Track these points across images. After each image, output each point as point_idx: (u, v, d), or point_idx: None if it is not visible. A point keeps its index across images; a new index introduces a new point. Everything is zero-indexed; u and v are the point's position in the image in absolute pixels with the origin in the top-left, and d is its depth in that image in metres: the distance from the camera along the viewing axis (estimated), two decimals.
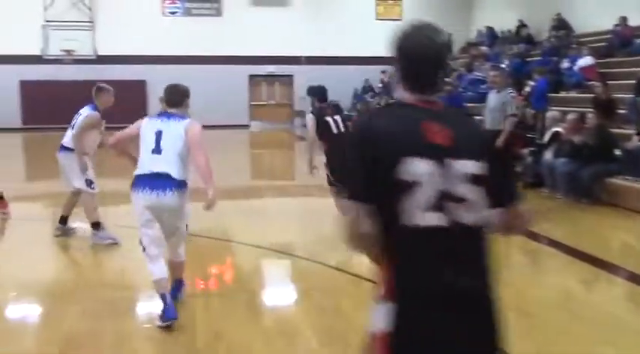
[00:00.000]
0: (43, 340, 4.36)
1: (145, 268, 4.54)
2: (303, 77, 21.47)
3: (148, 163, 4.44)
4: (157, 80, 23.44)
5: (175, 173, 4.43)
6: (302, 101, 18.15)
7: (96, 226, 6.71)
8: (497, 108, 8.31)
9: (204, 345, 4.19)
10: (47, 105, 21.20)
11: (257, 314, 4.86)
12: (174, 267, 4.82)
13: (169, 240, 4.66)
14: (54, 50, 21.89)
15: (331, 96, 7.56)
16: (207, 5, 24.29)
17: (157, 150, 4.43)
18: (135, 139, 4.68)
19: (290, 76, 24.72)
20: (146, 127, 4.55)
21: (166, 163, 4.41)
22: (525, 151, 10.16)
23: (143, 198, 4.39)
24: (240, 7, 24.19)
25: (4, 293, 5.24)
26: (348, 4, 24.77)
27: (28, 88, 22.61)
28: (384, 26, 24.86)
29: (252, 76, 24.80)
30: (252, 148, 20.64)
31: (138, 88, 23.25)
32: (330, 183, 6.97)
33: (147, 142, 4.48)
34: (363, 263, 5.86)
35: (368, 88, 22.89)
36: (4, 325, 4.72)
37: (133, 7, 23.18)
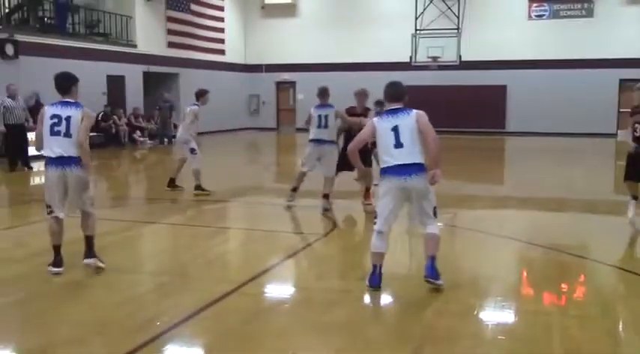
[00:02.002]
0: None
1: None
2: None
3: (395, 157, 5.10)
4: (518, 85, 23.26)
5: None
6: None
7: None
8: None
9: None
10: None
11: (619, 343, 4.37)
12: None
13: None
14: (422, 57, 23.05)
15: None
16: (578, 7, 23.03)
17: (399, 144, 5.07)
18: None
19: None
20: (380, 127, 5.19)
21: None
22: None
23: None
24: (612, 6, 22.39)
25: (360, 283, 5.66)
26: None
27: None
28: None
29: (623, 81, 22.77)
30: (619, 160, 18.90)
31: (498, 92, 23.22)
32: None
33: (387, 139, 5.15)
34: None
35: None
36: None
37: (499, 12, 23.26)
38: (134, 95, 21.00)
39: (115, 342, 4.20)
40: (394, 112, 5.22)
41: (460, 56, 22.16)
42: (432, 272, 5.14)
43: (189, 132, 10.21)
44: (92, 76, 17.59)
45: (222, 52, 25.94)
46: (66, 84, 5.67)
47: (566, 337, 4.37)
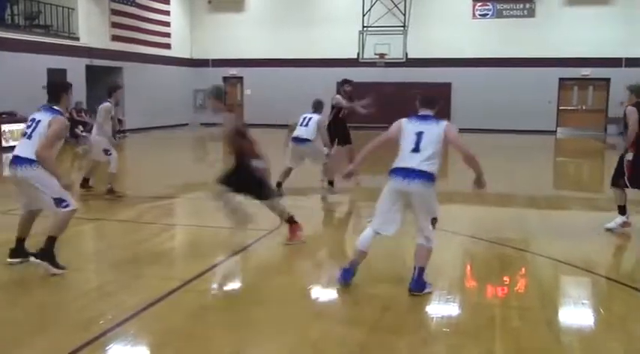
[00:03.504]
0: None
1: None
2: (622, 81, 19.62)
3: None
4: (462, 82, 23.69)
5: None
6: (618, 108, 16.59)
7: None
8: None
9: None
10: None
11: (558, 333, 4.52)
12: None
13: None
14: (369, 54, 23.21)
15: None
16: (520, 6, 23.61)
17: (416, 149, 5.08)
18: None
19: (606, 80, 22.82)
20: (406, 128, 5.20)
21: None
22: None
23: None
24: (554, 7, 23.07)
25: (312, 279, 5.65)
26: None
27: None
28: None
29: (562, 80, 23.49)
30: (559, 156, 19.52)
31: (444, 89, 23.63)
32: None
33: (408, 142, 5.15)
34: None
35: None
36: None
37: (444, 11, 23.68)
38: (76, 89, 20.38)
39: (57, 341, 4.11)
40: (424, 118, 5.24)
41: (406, 53, 22.43)
42: (416, 285, 5.08)
43: (102, 131, 9.43)
44: (32, 69, 17.07)
45: (167, 46, 25.56)
46: (53, 90, 5.75)
47: (508, 328, 4.50)
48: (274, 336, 4.31)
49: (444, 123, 5.18)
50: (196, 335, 4.29)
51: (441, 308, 4.92)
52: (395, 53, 22.75)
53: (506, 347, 4.17)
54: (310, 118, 9.51)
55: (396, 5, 23.11)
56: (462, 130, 5.83)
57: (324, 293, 5.35)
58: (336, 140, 10.88)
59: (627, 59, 22.13)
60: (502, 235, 7.40)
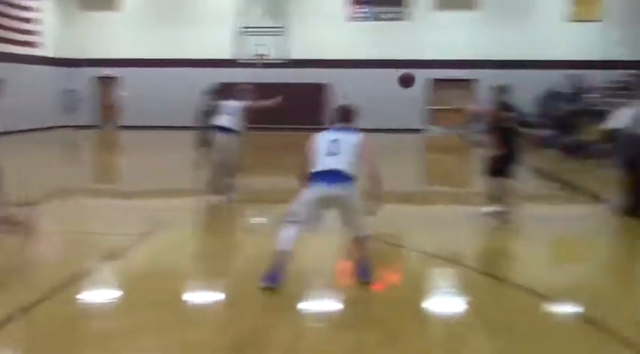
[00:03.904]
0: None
1: None
2: (487, 81, 20.87)
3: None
4: (340, 84, 24.21)
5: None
6: (484, 107, 17.58)
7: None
8: None
9: (374, 346, 4.22)
10: None
11: (425, 323, 4.77)
12: None
13: None
14: (247, 54, 23.16)
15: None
16: (395, 9, 24.47)
17: (334, 153, 5.20)
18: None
19: (473, 81, 24.14)
20: (321, 139, 5.36)
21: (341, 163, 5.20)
22: None
23: None
24: (425, 11, 24.13)
25: (188, 281, 5.64)
26: (536, 6, 23.69)
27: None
28: (577, 28, 23.54)
29: (432, 81, 24.61)
30: (429, 153, 20.43)
31: (320, 91, 24.03)
32: None
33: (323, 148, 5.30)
34: (537, 278, 5.56)
35: (553, 94, 21.59)
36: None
37: (323, 13, 24.12)
38: None
39: None
40: (339, 129, 5.43)
41: (286, 54, 22.60)
42: (365, 275, 5.47)
43: None
44: None
45: (35, 44, 24.22)
46: None
47: (379, 319, 4.69)
48: (150, 342, 4.25)
49: (361, 134, 5.37)
50: (68, 345, 4.15)
51: (315, 304, 5.05)
52: (274, 54, 22.86)
53: (378, 337, 4.35)
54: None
55: (275, 6, 23.23)
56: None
57: (199, 296, 5.33)
58: None
59: (492, 61, 23.49)
60: (376, 230, 7.63)
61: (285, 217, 5.36)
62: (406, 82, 5.55)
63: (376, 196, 5.33)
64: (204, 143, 10.24)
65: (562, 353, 4.24)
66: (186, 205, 9.45)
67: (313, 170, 5.24)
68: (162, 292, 5.30)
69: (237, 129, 9.18)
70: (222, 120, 9.16)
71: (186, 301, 5.20)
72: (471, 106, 8.16)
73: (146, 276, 5.87)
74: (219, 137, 9.10)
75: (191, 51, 24.62)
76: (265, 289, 5.17)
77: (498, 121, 8.00)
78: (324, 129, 5.55)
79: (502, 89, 8.24)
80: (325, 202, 5.23)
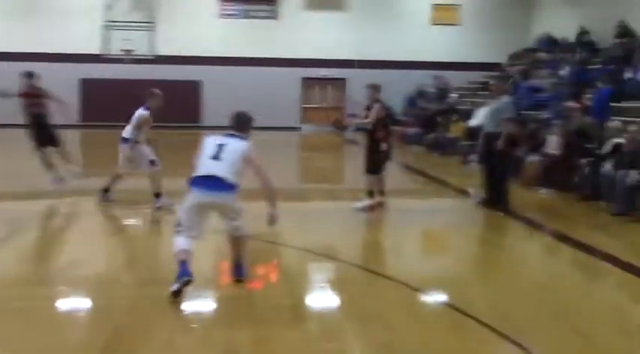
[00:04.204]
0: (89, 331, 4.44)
1: None
2: (356, 81, 21.51)
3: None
4: (212, 81, 23.95)
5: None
6: (354, 105, 18.09)
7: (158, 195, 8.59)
8: (495, 112, 8.98)
9: (249, 344, 4.22)
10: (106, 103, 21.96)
11: (300, 318, 4.84)
12: None
13: None
14: (114, 50, 22.33)
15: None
16: (264, 8, 24.52)
17: (217, 157, 5.18)
18: None
19: (343, 80, 24.73)
20: (208, 141, 5.31)
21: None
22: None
23: None
24: (295, 10, 24.41)
25: (55, 287, 5.37)
26: (403, 9, 24.69)
27: (87, 86, 23.35)
28: (440, 31, 24.81)
29: (305, 79, 24.92)
30: (303, 151, 20.72)
31: (194, 87, 23.65)
32: None
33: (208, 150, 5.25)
34: (407, 270, 5.81)
35: (420, 94, 22.64)
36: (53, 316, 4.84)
37: (191, 9, 23.72)
38: None
39: None
40: (228, 135, 5.36)
41: (155, 50, 22.00)
42: (240, 272, 5.50)
43: None
44: None
45: None
46: None
47: (254, 316, 4.70)
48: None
49: (247, 142, 5.36)
50: None
51: (192, 304, 4.98)
52: (143, 49, 22.17)
53: (252, 335, 4.37)
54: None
55: (141, 0, 22.54)
56: (213, 128, 5.99)
57: (68, 299, 5.09)
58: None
59: (359, 61, 24.19)
60: (252, 229, 7.62)
61: (175, 226, 5.27)
62: (339, 127, 5.95)
63: (272, 206, 5.46)
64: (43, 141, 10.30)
65: (432, 338, 4.46)
66: (45, 208, 8.96)
67: (195, 173, 5.21)
68: (25, 299, 5.00)
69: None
70: None
71: (51, 307, 4.94)
72: (371, 114, 8.62)
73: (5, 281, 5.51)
74: None
75: (53, 45, 23.29)
76: (185, 283, 4.91)
77: (384, 118, 8.53)
78: (199, 127, 5.50)
79: (377, 88, 8.69)
80: (204, 207, 5.25)
